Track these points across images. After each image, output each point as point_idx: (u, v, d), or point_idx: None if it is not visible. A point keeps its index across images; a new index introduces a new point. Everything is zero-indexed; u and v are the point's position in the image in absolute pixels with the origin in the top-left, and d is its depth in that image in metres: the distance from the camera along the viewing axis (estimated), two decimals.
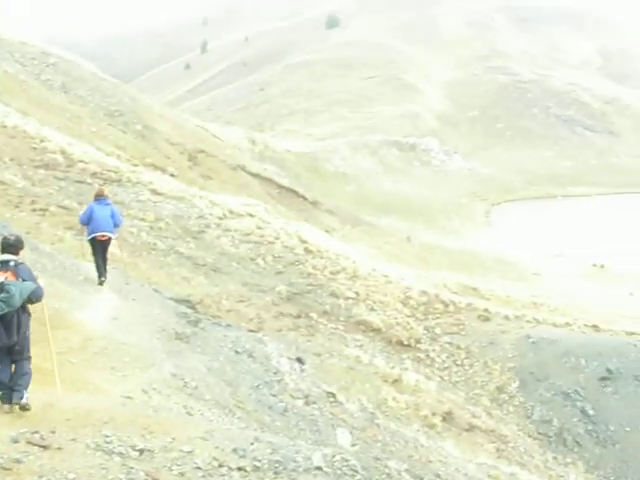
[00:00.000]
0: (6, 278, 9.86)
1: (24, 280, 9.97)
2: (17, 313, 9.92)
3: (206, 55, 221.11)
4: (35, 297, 10.09)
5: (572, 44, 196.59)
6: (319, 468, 9.57)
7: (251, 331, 23.71)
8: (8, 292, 9.70)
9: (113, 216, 19.17)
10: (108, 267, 19.47)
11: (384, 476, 10.16)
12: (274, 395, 18.45)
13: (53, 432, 9.32)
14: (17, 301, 9.77)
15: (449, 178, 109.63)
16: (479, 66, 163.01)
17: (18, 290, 9.78)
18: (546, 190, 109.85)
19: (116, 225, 19.33)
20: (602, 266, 69.90)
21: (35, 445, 8.86)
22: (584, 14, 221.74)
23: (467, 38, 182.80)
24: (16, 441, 8.88)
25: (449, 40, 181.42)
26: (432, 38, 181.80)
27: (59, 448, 8.93)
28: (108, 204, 19.36)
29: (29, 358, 10.42)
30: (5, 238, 10.38)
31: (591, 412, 28.54)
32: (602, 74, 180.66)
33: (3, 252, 10.18)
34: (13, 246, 10.27)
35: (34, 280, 10.16)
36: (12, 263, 10.08)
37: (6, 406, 10.03)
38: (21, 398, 9.95)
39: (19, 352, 10.22)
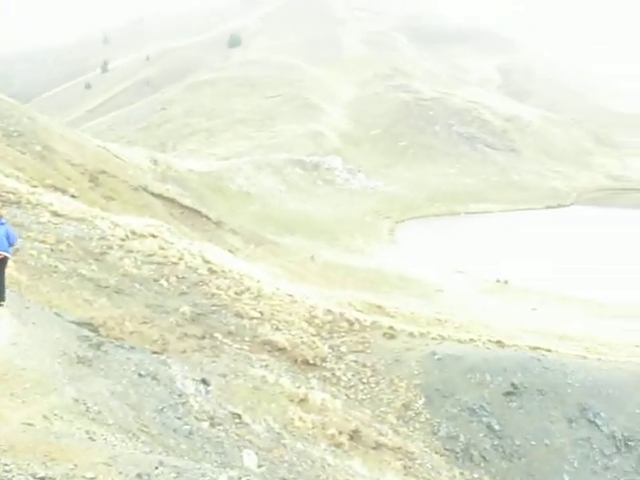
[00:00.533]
0: None
1: None
2: None
3: (107, 74, 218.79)
4: None
5: (473, 62, 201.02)
6: None
7: (155, 353, 23.41)
8: None
9: (8, 236, 18.78)
10: (7, 290, 19.04)
11: None
12: (179, 418, 18.25)
13: None
14: None
15: (353, 197, 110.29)
16: (381, 85, 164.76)
17: None
18: (449, 207, 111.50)
19: (11, 244, 18.92)
20: (505, 282, 71.10)
21: None
22: (484, 33, 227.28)
23: (369, 57, 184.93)
24: None
25: (351, 59, 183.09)
26: (334, 57, 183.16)
27: None
28: (3, 224, 18.94)
29: None
30: None
31: (497, 427, 28.93)
32: (502, 92, 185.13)
33: None
34: None
35: None
36: None
37: None
38: None
39: None
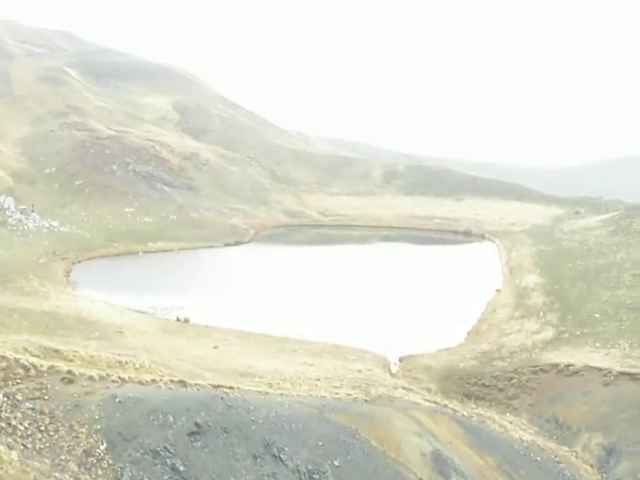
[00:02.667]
0: None
1: None
2: None
3: None
4: None
5: (148, 100, 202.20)
6: None
7: None
8: None
9: None
10: None
11: None
12: None
13: None
14: None
15: (26, 237, 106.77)
16: (56, 122, 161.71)
17: None
18: (127, 246, 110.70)
19: None
20: (186, 320, 71.21)
21: None
22: (159, 69, 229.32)
23: (42, 94, 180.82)
24: None
25: (24, 96, 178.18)
26: (5, 93, 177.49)
27: None
28: None
29: None
30: None
31: (182, 468, 28.61)
32: (180, 130, 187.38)
33: None
34: None
35: None
36: None
37: None
38: None
39: None
